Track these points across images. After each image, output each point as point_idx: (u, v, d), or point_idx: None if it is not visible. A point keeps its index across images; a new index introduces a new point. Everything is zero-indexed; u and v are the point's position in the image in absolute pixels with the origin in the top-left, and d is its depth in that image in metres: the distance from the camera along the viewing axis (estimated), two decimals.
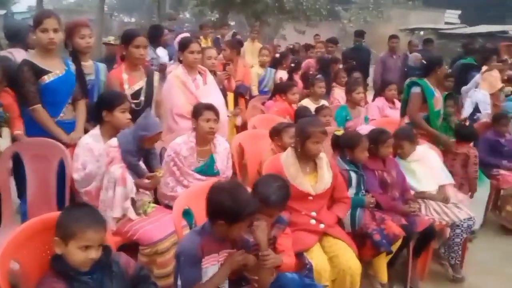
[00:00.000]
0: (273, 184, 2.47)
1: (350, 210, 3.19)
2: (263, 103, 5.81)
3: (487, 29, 17.20)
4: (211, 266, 2.15)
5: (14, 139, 3.31)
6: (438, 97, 4.54)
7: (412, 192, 3.67)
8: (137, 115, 3.16)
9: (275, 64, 6.82)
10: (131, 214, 2.89)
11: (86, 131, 3.30)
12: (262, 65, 6.54)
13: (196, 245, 2.13)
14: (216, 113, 3.36)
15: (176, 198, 2.77)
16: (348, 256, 2.85)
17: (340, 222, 3.11)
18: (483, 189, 4.54)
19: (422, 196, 3.70)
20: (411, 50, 8.81)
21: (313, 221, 2.93)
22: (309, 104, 5.32)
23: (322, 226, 2.94)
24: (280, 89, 5.49)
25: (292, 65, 6.89)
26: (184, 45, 4.08)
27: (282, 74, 6.64)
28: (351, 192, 3.28)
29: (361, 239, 3.13)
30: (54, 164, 3.12)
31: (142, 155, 3.04)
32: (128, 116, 3.16)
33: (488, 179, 4.66)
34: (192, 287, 2.12)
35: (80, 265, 1.90)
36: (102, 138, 3.10)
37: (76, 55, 3.57)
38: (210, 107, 3.36)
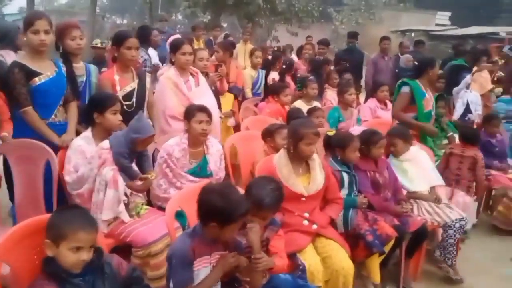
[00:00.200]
0: (267, 186, 2.45)
1: (343, 210, 3.20)
2: (255, 105, 5.82)
3: (478, 31, 17.36)
4: (203, 268, 2.14)
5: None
6: (429, 98, 4.58)
7: (404, 192, 3.69)
8: (129, 117, 3.14)
9: (268, 65, 6.82)
10: (124, 216, 2.87)
11: (77, 133, 3.28)
12: (254, 66, 6.54)
13: (187, 247, 2.11)
14: (209, 114, 3.35)
15: (169, 200, 2.77)
16: (341, 257, 2.85)
17: (333, 222, 3.12)
18: None
19: (414, 196, 3.72)
20: (402, 51, 8.86)
21: (306, 222, 2.94)
22: (302, 105, 5.33)
23: (315, 227, 2.95)
24: (273, 91, 5.50)
25: (284, 66, 6.89)
26: (175, 47, 4.08)
27: (275, 75, 6.65)
28: (344, 192, 3.29)
29: (354, 240, 3.13)
30: (40, 166, 3.09)
31: (134, 157, 3.03)
32: (120, 117, 3.15)
33: None
34: None
35: (71, 267, 1.88)
36: (93, 140, 3.08)
37: (67, 56, 3.55)
38: (203, 109, 3.35)
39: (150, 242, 2.74)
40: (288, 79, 6.72)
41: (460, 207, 3.89)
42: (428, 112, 4.57)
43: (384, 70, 8.18)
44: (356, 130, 4.09)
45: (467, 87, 6.29)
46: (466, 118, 6.03)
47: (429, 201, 3.69)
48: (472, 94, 6.23)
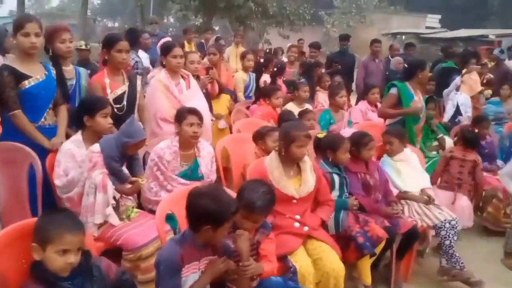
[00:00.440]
0: (259, 189, 2.44)
1: (334, 212, 3.20)
2: (247, 107, 5.82)
3: (467, 33, 17.54)
4: (191, 274, 2.13)
5: None
6: (417, 100, 4.60)
7: (396, 191, 3.71)
8: (119, 120, 3.13)
9: (259, 67, 6.81)
10: (113, 220, 2.85)
11: (67, 136, 3.25)
12: (246, 70, 6.54)
13: (175, 254, 2.09)
14: (200, 117, 3.35)
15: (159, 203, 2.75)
16: (332, 259, 2.86)
17: (324, 224, 3.13)
18: None
19: (405, 196, 3.74)
20: (392, 54, 8.91)
21: (297, 224, 2.94)
22: (293, 108, 5.34)
23: (306, 229, 2.95)
24: (264, 93, 5.50)
25: (275, 69, 6.89)
26: (166, 50, 4.07)
27: (267, 78, 6.64)
28: (334, 194, 3.30)
29: (345, 242, 3.14)
30: (24, 169, 3.04)
31: (125, 160, 3.02)
32: (110, 121, 3.14)
33: None
34: None
35: (59, 270, 1.87)
36: (84, 143, 3.07)
37: (57, 59, 3.53)
38: (194, 111, 3.35)
39: (140, 246, 2.73)
40: (280, 81, 6.72)
41: (462, 212, 3.91)
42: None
43: (375, 73, 8.22)
44: (347, 132, 4.11)
45: (457, 89, 6.34)
46: (456, 120, 6.08)
47: (420, 202, 3.71)
48: (462, 96, 6.28)
